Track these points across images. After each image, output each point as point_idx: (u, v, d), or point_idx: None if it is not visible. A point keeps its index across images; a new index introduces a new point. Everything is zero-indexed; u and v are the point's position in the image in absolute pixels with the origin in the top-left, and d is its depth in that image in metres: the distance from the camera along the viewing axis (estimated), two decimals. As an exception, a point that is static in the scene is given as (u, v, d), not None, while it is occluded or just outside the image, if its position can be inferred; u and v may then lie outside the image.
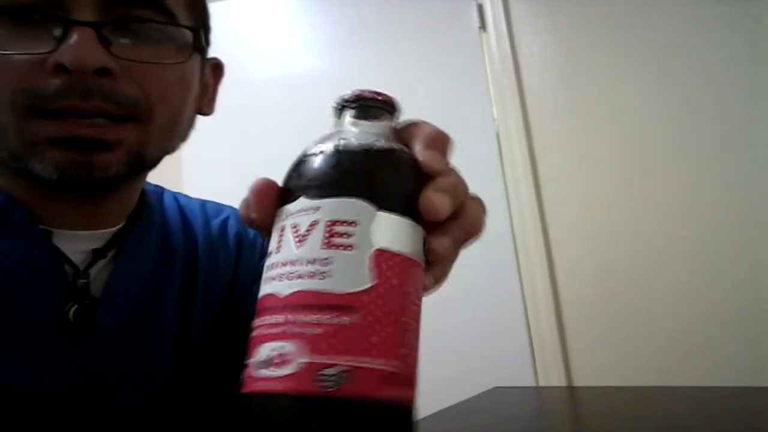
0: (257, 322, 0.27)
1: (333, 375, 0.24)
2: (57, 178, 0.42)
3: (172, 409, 0.51)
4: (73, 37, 0.41)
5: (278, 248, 0.28)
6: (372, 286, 0.26)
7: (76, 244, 0.48)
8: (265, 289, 0.27)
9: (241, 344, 0.56)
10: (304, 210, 0.28)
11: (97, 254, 0.49)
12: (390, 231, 0.27)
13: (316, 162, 0.29)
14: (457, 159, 0.33)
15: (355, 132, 0.31)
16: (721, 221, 1.46)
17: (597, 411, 0.79)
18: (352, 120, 0.32)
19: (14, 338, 0.44)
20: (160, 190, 0.61)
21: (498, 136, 1.70)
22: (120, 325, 0.49)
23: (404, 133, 0.32)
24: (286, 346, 0.25)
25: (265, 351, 0.25)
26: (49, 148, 0.42)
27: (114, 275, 0.50)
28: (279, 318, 0.26)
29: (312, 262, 0.26)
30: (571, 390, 1.38)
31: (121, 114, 0.43)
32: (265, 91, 1.85)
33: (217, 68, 0.58)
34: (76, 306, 0.47)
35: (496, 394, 0.90)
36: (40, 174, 0.42)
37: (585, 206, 1.61)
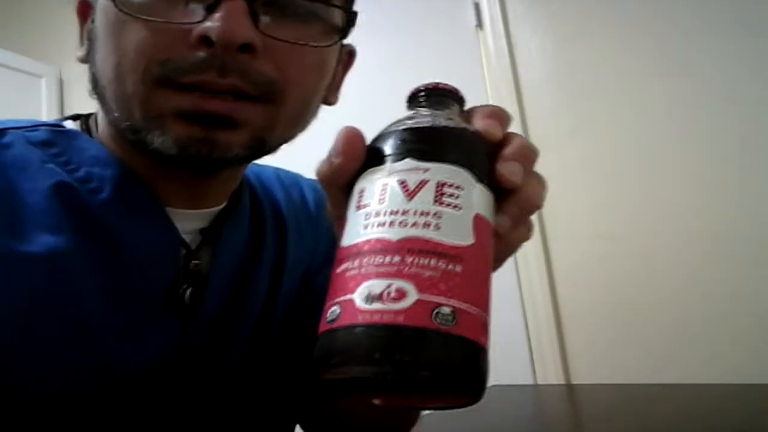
0: (357, 262, 0.28)
1: (447, 314, 0.26)
2: (175, 153, 0.40)
3: (242, 383, 0.50)
4: (224, 9, 0.38)
5: (382, 199, 0.30)
6: (473, 244, 0.29)
7: (186, 223, 0.47)
8: (367, 233, 0.29)
9: (314, 321, 0.55)
10: (413, 169, 0.31)
11: (206, 234, 0.48)
12: (483, 200, 0.31)
13: (422, 132, 0.33)
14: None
15: (437, 115, 0.34)
16: (719, 220, 1.46)
17: (595, 409, 0.79)
18: (429, 108, 0.36)
19: (132, 320, 0.43)
20: None
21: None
22: (221, 306, 0.48)
23: (467, 117, 0.35)
24: (402, 284, 0.27)
25: (376, 286, 0.27)
26: (173, 120, 0.39)
27: (218, 255, 0.48)
28: (393, 258, 0.28)
29: (424, 214, 0.29)
30: (569, 388, 1.38)
31: (253, 94, 0.40)
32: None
33: (351, 56, 0.54)
34: (191, 288, 0.46)
35: (494, 392, 0.90)
36: (158, 148, 0.40)
37: (583, 204, 1.61)
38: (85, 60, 0.46)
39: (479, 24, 1.79)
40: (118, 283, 0.42)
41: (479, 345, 0.27)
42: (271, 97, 0.41)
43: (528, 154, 0.33)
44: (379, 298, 0.26)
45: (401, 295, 0.26)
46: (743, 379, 1.02)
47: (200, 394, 0.47)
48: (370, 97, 1.93)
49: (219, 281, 0.48)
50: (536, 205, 0.33)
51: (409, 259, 0.27)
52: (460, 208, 0.29)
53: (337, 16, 0.45)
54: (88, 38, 0.45)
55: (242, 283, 0.50)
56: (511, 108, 1.69)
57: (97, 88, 0.44)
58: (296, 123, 0.45)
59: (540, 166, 0.34)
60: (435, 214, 0.29)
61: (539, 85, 1.70)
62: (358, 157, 0.32)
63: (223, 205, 0.50)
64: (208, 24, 0.38)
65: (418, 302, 0.26)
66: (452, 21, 1.83)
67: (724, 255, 1.44)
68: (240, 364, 0.49)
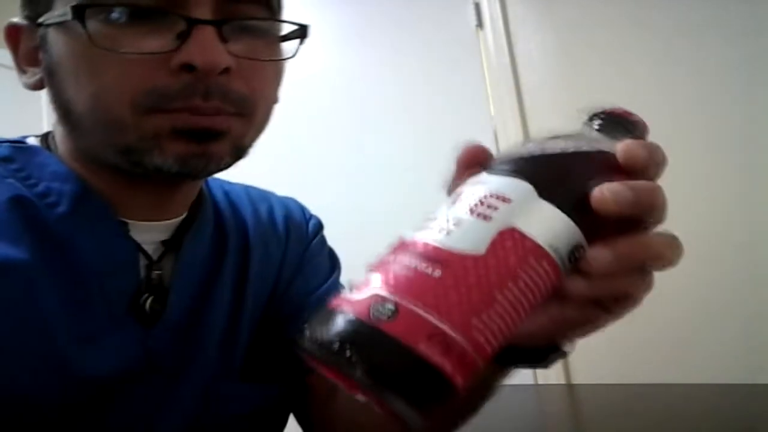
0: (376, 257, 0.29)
1: (386, 309, 0.25)
2: (177, 170, 0.42)
3: (218, 396, 0.51)
4: (198, 36, 0.40)
5: (440, 206, 0.30)
6: (482, 255, 0.26)
7: (147, 235, 0.49)
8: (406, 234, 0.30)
9: (287, 333, 0.55)
10: (477, 182, 0.30)
11: (168, 245, 0.50)
12: (537, 217, 0.28)
13: (514, 149, 0.32)
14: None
15: (578, 138, 0.32)
16: (719, 219, 1.46)
17: (595, 408, 0.80)
18: (593, 131, 0.34)
19: (92, 328, 0.44)
20: None
21: (495, 133, 1.70)
22: (184, 314, 0.50)
23: None
24: (372, 276, 0.27)
25: (360, 277, 0.27)
26: (170, 139, 0.42)
27: (180, 264, 0.50)
28: (389, 255, 0.28)
29: (449, 221, 0.28)
30: (569, 388, 1.39)
31: (232, 111, 0.43)
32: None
33: None
34: (152, 297, 0.47)
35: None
36: (159, 166, 0.42)
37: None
38: (35, 87, 0.46)
39: (479, 24, 1.79)
40: (77, 294, 0.44)
41: (411, 350, 0.24)
42: (245, 112, 0.45)
43: (652, 195, 0.30)
44: (354, 287, 0.27)
45: (365, 285, 0.26)
46: (743, 379, 1.02)
47: (168, 403, 0.48)
48: (371, 97, 1.93)
49: (180, 290, 0.50)
50: (658, 259, 0.29)
51: (394, 256, 0.27)
52: (491, 219, 0.27)
53: (289, 30, 0.48)
54: (41, 67, 0.45)
55: (204, 292, 0.52)
56: (511, 108, 1.68)
57: (69, 116, 0.44)
58: (262, 128, 0.49)
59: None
60: (458, 222, 0.27)
61: (539, 85, 1.70)
62: (469, 167, 0.33)
63: (183, 216, 0.52)
64: (186, 51, 0.40)
65: (372, 295, 0.25)
66: (452, 21, 1.83)
67: (724, 255, 1.44)
68: (209, 373, 0.51)
